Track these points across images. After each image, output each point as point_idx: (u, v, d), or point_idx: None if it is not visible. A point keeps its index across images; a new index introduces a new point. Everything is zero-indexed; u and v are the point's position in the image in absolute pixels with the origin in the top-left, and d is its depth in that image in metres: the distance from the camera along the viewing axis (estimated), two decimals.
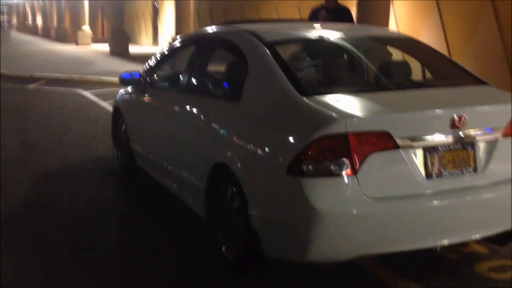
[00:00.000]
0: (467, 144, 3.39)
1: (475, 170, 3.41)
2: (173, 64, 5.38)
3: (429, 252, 3.93)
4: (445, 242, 3.37)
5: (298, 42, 4.30)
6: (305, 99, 3.35)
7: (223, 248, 3.82)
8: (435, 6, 12.45)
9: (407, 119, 3.28)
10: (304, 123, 3.22)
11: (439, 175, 3.30)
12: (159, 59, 5.37)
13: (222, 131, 3.87)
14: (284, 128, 3.34)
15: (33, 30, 44.29)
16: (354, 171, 3.08)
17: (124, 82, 5.45)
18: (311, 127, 3.12)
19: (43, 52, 24.36)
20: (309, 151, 3.06)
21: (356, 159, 3.07)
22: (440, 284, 3.61)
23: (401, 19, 13.75)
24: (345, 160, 3.06)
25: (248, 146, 3.55)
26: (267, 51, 3.76)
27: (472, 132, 3.37)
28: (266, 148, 3.40)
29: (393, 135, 3.13)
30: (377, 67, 4.07)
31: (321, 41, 4.23)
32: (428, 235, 3.29)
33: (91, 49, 26.47)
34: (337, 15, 6.68)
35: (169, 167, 4.77)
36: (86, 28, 29.54)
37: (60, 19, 36.89)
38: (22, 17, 48.88)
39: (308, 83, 3.65)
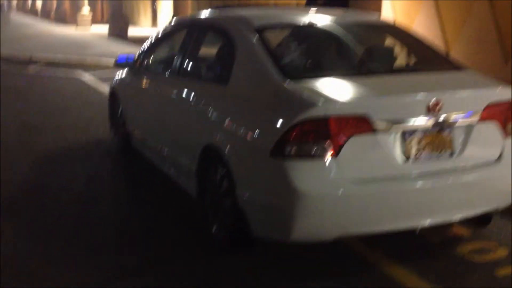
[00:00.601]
0: (445, 128, 3.51)
1: (452, 153, 3.54)
2: (166, 47, 5.48)
3: (413, 235, 4.08)
4: (425, 223, 3.52)
5: (287, 27, 4.41)
6: (289, 83, 3.48)
7: (214, 228, 3.97)
8: None
9: (387, 103, 3.41)
10: (287, 107, 3.35)
11: (418, 158, 3.43)
12: (153, 42, 5.49)
13: (211, 114, 4.00)
14: (268, 112, 3.47)
15: (33, 12, 44.15)
16: (335, 154, 3.22)
17: (119, 65, 5.57)
18: (294, 111, 3.24)
19: (42, 34, 24.34)
20: (291, 134, 3.20)
21: (337, 142, 3.21)
22: (423, 265, 3.73)
23: (397, 3, 13.80)
24: (326, 143, 3.20)
25: (235, 128, 3.69)
26: (255, 35, 3.89)
27: (450, 116, 3.49)
28: (251, 131, 3.53)
29: (373, 118, 3.26)
30: (361, 52, 4.20)
31: (309, 26, 4.35)
32: (407, 216, 3.44)
33: (90, 31, 26.44)
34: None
35: (163, 150, 4.92)
36: (86, 10, 29.46)
37: (60, 1, 36.76)
38: None
39: (293, 68, 3.79)
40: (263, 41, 3.85)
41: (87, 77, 12.24)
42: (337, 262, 3.81)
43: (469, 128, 3.60)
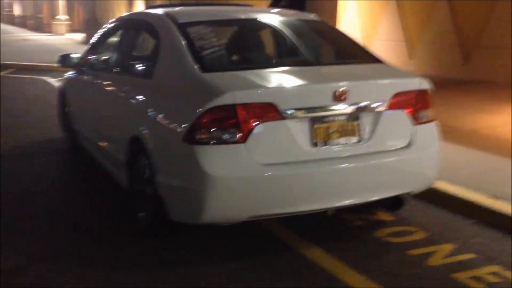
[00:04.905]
0: (352, 116, 3.69)
1: (360, 139, 3.73)
2: (105, 46, 5.65)
3: (335, 219, 4.29)
4: (334, 205, 3.70)
5: (210, 24, 4.58)
6: (203, 75, 3.67)
7: (140, 216, 4.12)
8: None
9: (292, 92, 3.60)
10: (199, 96, 3.53)
11: (324, 144, 3.62)
12: (94, 42, 5.67)
13: (136, 107, 4.19)
14: (183, 101, 3.66)
15: (10, 20, 44.04)
16: (243, 139, 3.40)
17: (62, 64, 5.73)
18: (203, 99, 3.43)
19: (17, 41, 24.38)
20: (201, 121, 3.38)
21: (245, 128, 3.39)
22: (340, 247, 3.90)
23: (361, 9, 14.09)
24: (234, 129, 3.38)
25: (155, 119, 3.87)
26: (178, 31, 4.07)
27: (357, 104, 3.68)
28: (168, 120, 3.72)
29: (278, 106, 3.45)
30: (280, 46, 4.38)
31: (231, 22, 4.57)
32: (316, 199, 3.62)
33: (66, 38, 26.51)
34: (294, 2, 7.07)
35: (99, 144, 5.10)
36: (62, 17, 29.53)
37: (37, 8, 36.74)
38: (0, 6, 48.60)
39: (209, 61, 3.97)
40: (185, 36, 4.03)
41: (53, 81, 12.35)
42: (256, 244, 3.99)
43: (377, 116, 3.78)
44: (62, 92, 6.52)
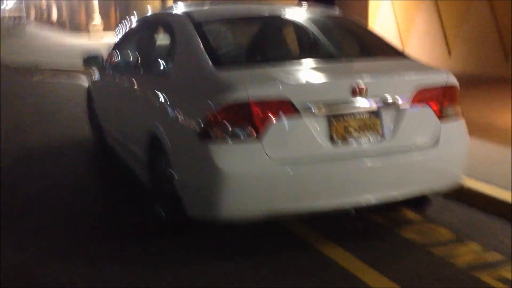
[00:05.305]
0: (373, 112, 3.58)
1: (382, 136, 3.61)
2: (128, 46, 5.67)
3: (358, 218, 4.20)
4: (355, 203, 3.59)
5: (228, 22, 4.55)
6: (218, 72, 3.63)
7: (162, 214, 4.10)
8: None
9: (308, 88, 3.51)
10: (213, 93, 3.48)
11: (344, 141, 3.51)
12: (118, 41, 5.73)
13: (154, 105, 4.18)
14: (198, 98, 3.63)
15: (49, 23, 45.06)
16: (258, 136, 3.33)
17: (87, 64, 5.80)
18: (218, 96, 3.39)
19: (54, 45, 24.90)
20: (215, 118, 3.34)
21: (260, 125, 3.33)
22: (361, 246, 3.80)
23: (397, 5, 13.83)
24: (249, 126, 3.32)
25: (171, 117, 3.86)
26: (194, 30, 4.05)
27: (378, 100, 3.57)
28: (184, 117, 3.70)
29: (295, 102, 3.37)
30: (298, 42, 4.31)
31: (250, 20, 4.51)
32: (333, 197, 3.52)
33: (103, 40, 26.91)
34: None
35: (123, 142, 5.13)
36: (97, 19, 29.99)
37: (74, 12, 37.48)
38: (40, 10, 49.77)
39: (225, 58, 3.94)
40: (201, 34, 4.00)
41: (87, 82, 12.53)
42: (274, 242, 3.93)
43: (400, 113, 3.66)
44: (89, 91, 6.64)
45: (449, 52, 12.31)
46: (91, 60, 5.81)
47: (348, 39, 4.65)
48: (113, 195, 5.06)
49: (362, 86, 3.48)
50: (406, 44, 13.46)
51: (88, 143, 6.81)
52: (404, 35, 13.54)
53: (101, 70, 5.92)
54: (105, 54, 5.94)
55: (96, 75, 6.26)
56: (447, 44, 12.35)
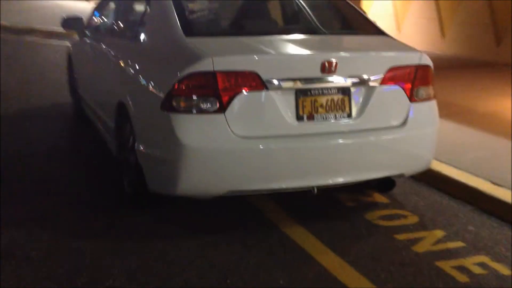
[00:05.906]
0: (342, 90, 3.48)
1: (349, 115, 3.52)
2: (107, 10, 5.54)
3: (326, 199, 4.15)
4: (319, 183, 3.50)
5: None
6: (187, 39, 3.50)
7: (125, 184, 4.04)
8: None
9: (277, 61, 3.38)
10: (178, 61, 3.37)
11: (311, 118, 3.42)
12: (97, 7, 5.57)
13: (123, 71, 4.06)
14: (164, 66, 3.51)
15: None
16: (222, 109, 3.23)
17: (66, 27, 5.63)
18: (182, 65, 3.25)
19: (50, 6, 24.53)
20: (179, 88, 3.22)
21: (224, 97, 3.21)
22: (324, 227, 3.75)
23: None
24: (213, 98, 3.21)
25: (137, 84, 3.75)
26: None
27: (347, 78, 3.47)
28: (149, 85, 3.59)
29: (262, 76, 3.26)
30: (275, 15, 4.18)
31: None
32: (297, 176, 3.43)
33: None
34: None
35: (96, 108, 5.03)
36: None
37: None
38: None
39: (198, 28, 3.80)
40: (176, 1, 3.86)
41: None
42: (239, 219, 3.87)
43: (370, 91, 3.56)
44: (69, 56, 6.48)
45: (443, 35, 12.19)
46: (70, 22, 5.60)
47: (329, 15, 4.52)
48: (81, 165, 4.94)
49: (332, 62, 3.37)
50: (402, 24, 13.31)
51: (68, 109, 6.70)
52: (400, 16, 13.39)
53: (81, 34, 5.77)
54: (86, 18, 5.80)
55: (76, 41, 6.12)
56: (441, 27, 12.21)
